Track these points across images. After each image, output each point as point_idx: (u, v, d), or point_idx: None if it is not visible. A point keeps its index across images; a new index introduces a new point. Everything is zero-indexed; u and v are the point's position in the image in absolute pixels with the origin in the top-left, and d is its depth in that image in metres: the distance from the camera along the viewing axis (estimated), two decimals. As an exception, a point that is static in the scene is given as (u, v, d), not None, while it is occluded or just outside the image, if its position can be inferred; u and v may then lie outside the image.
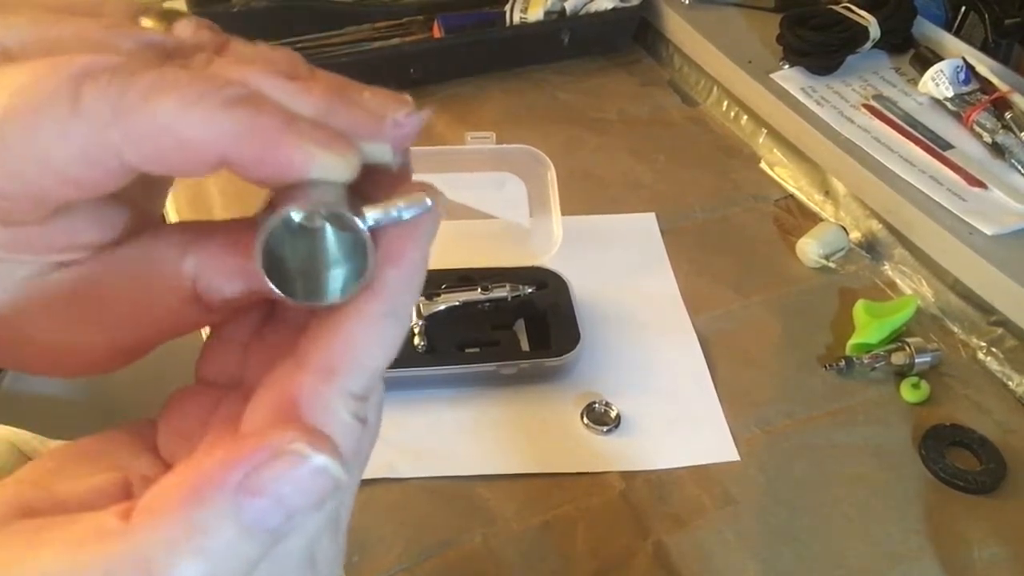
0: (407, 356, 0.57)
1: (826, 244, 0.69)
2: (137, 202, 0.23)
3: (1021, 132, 0.70)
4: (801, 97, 0.78)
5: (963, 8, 0.87)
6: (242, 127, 0.19)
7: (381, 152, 0.21)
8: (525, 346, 0.61)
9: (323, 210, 0.19)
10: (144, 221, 0.23)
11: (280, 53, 0.23)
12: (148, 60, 0.21)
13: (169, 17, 0.24)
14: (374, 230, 0.20)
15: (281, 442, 0.18)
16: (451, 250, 0.66)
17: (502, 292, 0.60)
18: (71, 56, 0.19)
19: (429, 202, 0.20)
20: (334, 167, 0.19)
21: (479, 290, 0.60)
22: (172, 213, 0.73)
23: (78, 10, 0.22)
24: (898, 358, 0.60)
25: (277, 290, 0.19)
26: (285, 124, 0.19)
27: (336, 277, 0.20)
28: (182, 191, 0.75)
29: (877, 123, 0.75)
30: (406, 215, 0.20)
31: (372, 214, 0.20)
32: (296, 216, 0.19)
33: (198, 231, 0.23)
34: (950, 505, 0.54)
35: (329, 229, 0.20)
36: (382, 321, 0.20)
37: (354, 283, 0.20)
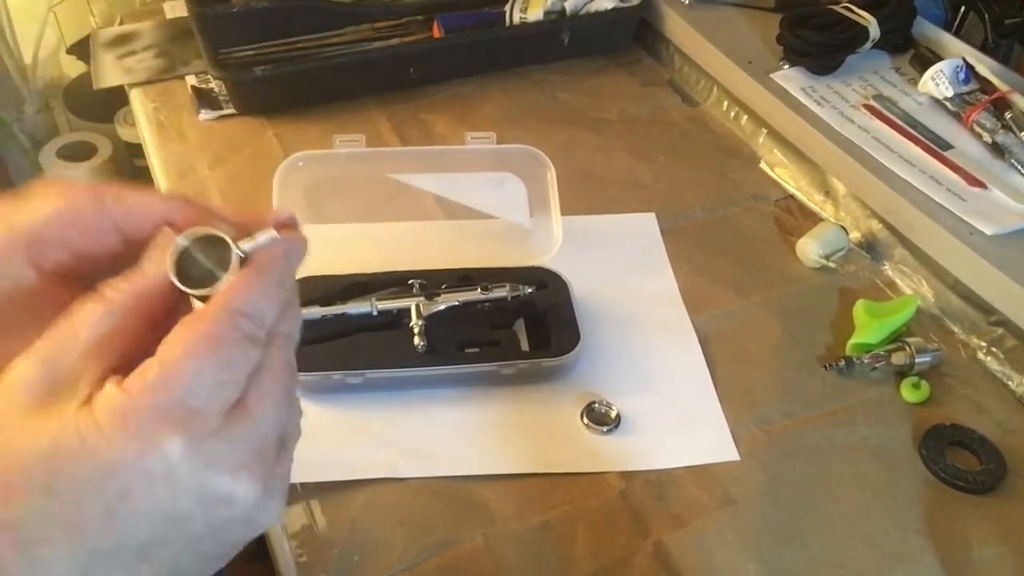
0: (407, 356, 0.57)
1: (826, 244, 0.69)
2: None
3: (1021, 132, 0.70)
4: (801, 97, 0.78)
5: (963, 8, 0.87)
6: None
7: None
8: (525, 346, 0.61)
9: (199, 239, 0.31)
10: None
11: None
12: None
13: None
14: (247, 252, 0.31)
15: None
16: (451, 250, 0.66)
17: (502, 292, 0.60)
18: None
19: (276, 236, 0.31)
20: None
21: (479, 290, 0.60)
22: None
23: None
24: (898, 358, 0.60)
25: (181, 286, 0.30)
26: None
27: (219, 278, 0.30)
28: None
29: (877, 123, 0.75)
30: (261, 242, 0.31)
31: (243, 244, 0.31)
32: (183, 243, 0.31)
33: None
34: (950, 505, 0.54)
35: (206, 252, 0.31)
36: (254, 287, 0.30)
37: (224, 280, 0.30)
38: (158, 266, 0.30)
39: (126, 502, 0.27)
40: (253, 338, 0.29)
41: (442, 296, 0.60)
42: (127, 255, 0.31)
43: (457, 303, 0.60)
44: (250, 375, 0.29)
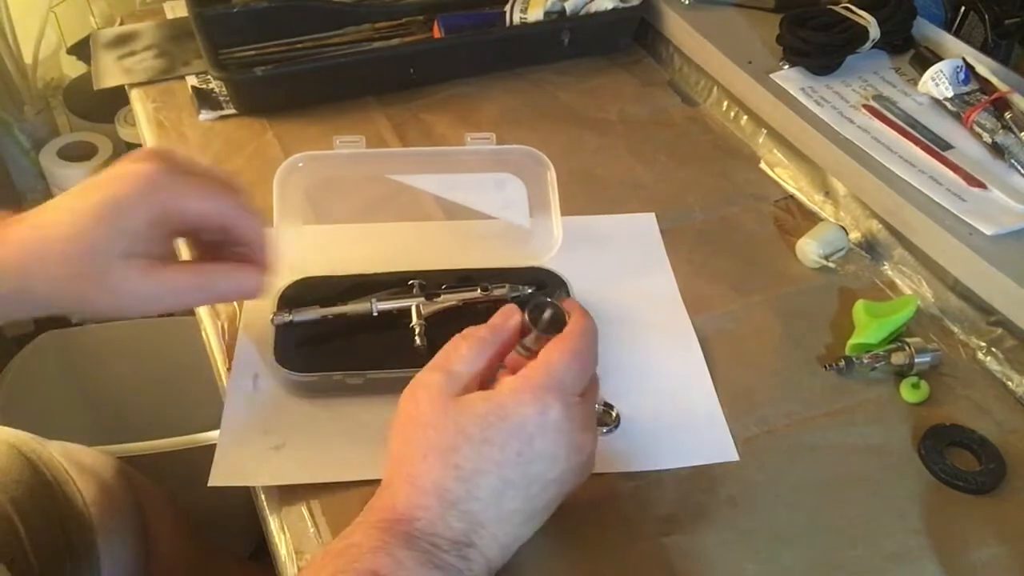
0: (407, 356, 0.57)
1: (826, 244, 0.69)
2: None
3: (1021, 132, 0.70)
4: (801, 97, 0.78)
5: (963, 8, 0.87)
6: None
7: None
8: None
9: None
10: None
11: None
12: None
13: None
14: None
15: None
16: (451, 250, 0.66)
17: (501, 291, 0.60)
18: None
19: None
20: None
21: (479, 290, 0.60)
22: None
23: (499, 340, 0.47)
24: (898, 358, 0.60)
25: (538, 332, 0.47)
26: None
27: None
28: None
29: (877, 123, 0.75)
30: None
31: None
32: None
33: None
34: (950, 505, 0.54)
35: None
36: None
37: None
38: (512, 321, 0.47)
39: (530, 446, 0.42)
40: (594, 353, 0.46)
41: (442, 296, 0.60)
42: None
43: (457, 303, 0.60)
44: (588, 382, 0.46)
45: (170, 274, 0.47)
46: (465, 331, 0.47)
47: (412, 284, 0.60)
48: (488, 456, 0.41)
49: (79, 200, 0.45)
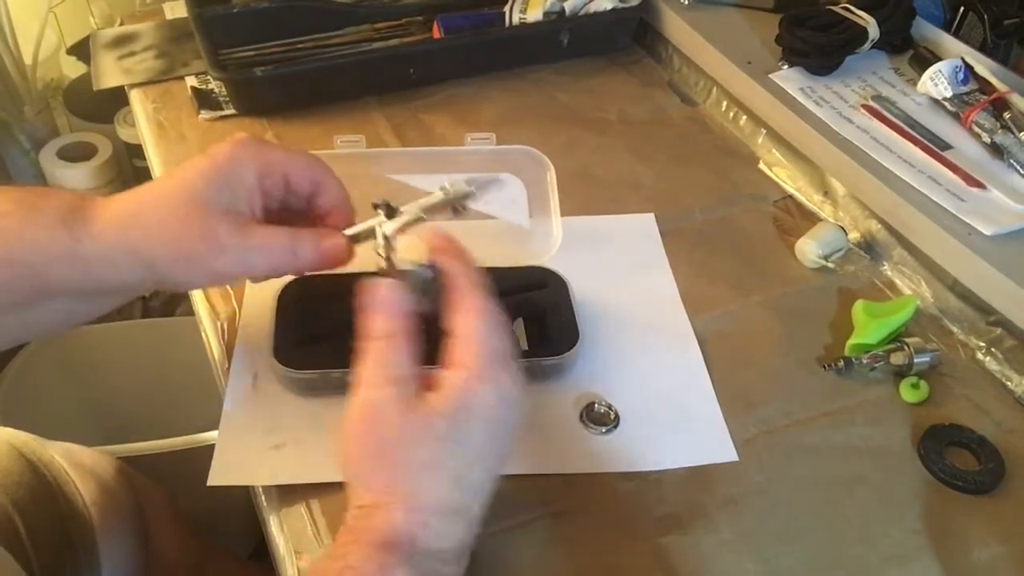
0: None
1: (825, 244, 0.69)
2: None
3: (1020, 132, 0.70)
4: (800, 97, 0.78)
5: (962, 9, 0.87)
6: None
7: None
8: (524, 345, 0.61)
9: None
10: None
11: None
12: None
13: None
14: None
15: None
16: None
17: (464, 188, 0.54)
18: None
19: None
20: None
21: (440, 192, 0.53)
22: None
23: None
24: (897, 358, 0.60)
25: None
26: None
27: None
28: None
29: (876, 123, 0.75)
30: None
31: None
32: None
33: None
34: (949, 505, 0.54)
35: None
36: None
37: None
38: (387, 296, 0.45)
39: (499, 427, 0.43)
40: (488, 297, 0.45)
41: (404, 209, 0.53)
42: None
43: (422, 215, 0.53)
44: None
45: (264, 231, 0.48)
46: (367, 342, 0.44)
47: (376, 205, 0.54)
48: (470, 452, 0.42)
49: (183, 166, 0.48)
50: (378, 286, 0.45)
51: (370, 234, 0.52)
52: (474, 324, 0.44)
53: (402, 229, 0.52)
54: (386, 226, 0.52)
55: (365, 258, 0.64)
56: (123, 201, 0.48)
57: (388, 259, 0.52)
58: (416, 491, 0.41)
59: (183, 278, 0.48)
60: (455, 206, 0.52)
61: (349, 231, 0.53)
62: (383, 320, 0.44)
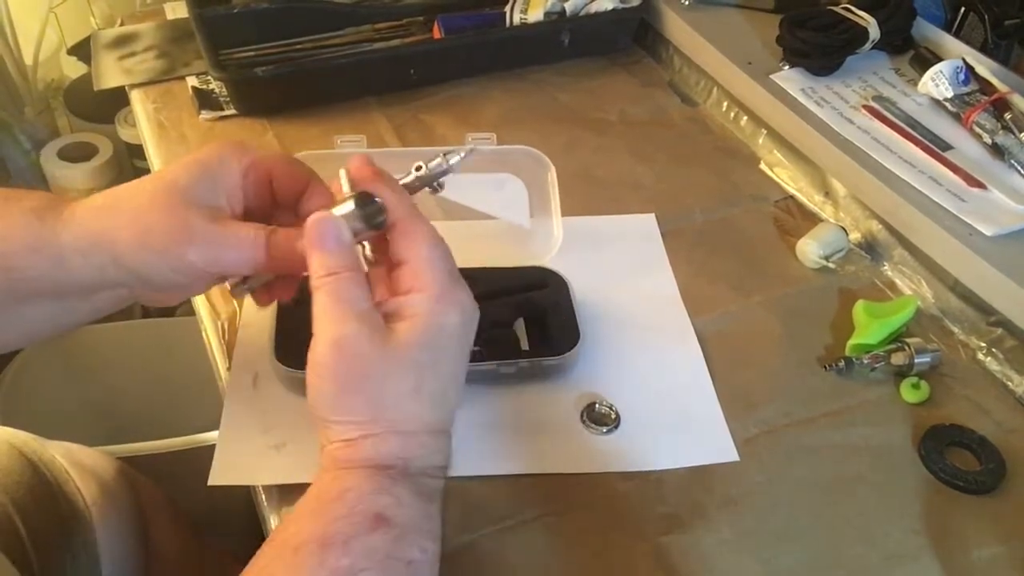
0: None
1: (826, 245, 0.69)
2: None
3: (1020, 133, 0.70)
4: (801, 98, 0.78)
5: (963, 9, 0.87)
6: None
7: None
8: (525, 346, 0.61)
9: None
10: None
11: None
12: None
13: None
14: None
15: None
16: (452, 250, 0.66)
17: (437, 160, 0.50)
18: None
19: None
20: None
21: (414, 171, 0.49)
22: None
23: None
24: (898, 358, 0.60)
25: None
26: None
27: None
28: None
29: (877, 124, 0.75)
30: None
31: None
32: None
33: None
34: (950, 505, 0.54)
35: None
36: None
37: None
38: (330, 233, 0.44)
39: (465, 337, 0.44)
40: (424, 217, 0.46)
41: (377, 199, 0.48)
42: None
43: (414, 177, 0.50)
44: None
45: (237, 223, 0.47)
46: (319, 279, 0.43)
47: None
48: (446, 372, 0.44)
49: (170, 164, 0.48)
50: (322, 221, 0.44)
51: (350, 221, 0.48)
52: (427, 248, 0.44)
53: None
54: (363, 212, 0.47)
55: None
56: (101, 195, 0.47)
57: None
58: (405, 418, 0.42)
59: (152, 271, 0.46)
60: (433, 184, 0.50)
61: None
62: (334, 255, 0.43)
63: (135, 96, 0.88)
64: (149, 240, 0.45)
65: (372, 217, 0.44)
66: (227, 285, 0.49)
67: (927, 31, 0.85)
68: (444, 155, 0.49)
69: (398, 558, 0.39)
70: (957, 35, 0.86)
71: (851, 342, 0.62)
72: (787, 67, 0.82)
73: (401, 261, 0.44)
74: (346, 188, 0.46)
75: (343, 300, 0.42)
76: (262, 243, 0.46)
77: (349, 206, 0.44)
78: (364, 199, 0.44)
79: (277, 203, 0.50)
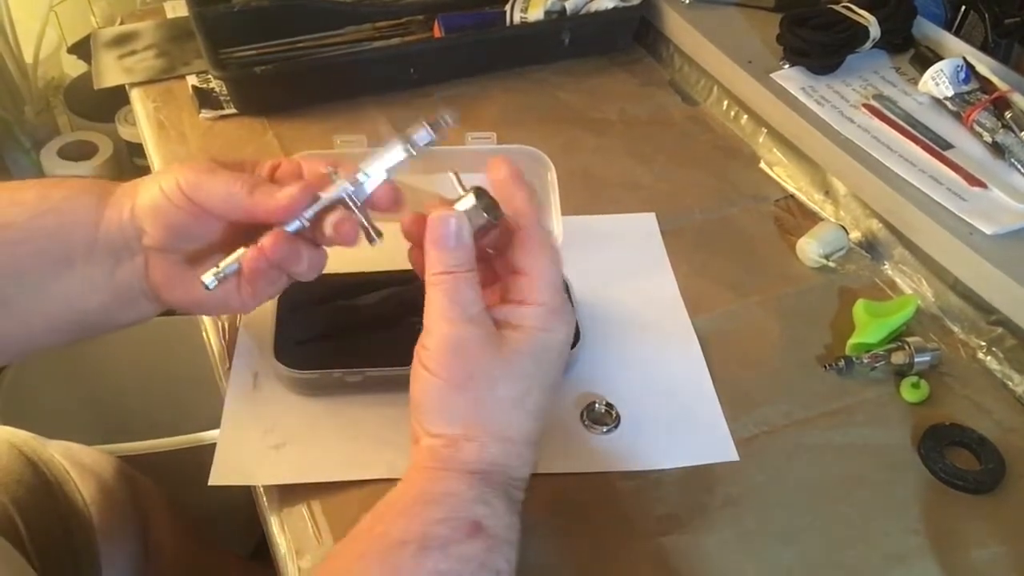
0: (407, 355, 0.57)
1: (826, 244, 0.69)
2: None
3: (1021, 131, 0.70)
4: (801, 97, 0.78)
5: (963, 8, 0.87)
6: None
7: None
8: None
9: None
10: None
11: None
12: None
13: None
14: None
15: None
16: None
17: (420, 131, 0.52)
18: None
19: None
20: None
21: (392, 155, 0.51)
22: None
23: None
24: (898, 358, 0.60)
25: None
26: None
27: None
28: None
29: (877, 123, 0.75)
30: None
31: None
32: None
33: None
34: (949, 505, 0.54)
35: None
36: None
37: None
38: (454, 229, 0.45)
39: (564, 358, 0.45)
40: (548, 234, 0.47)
41: (369, 171, 0.50)
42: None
43: (384, 175, 0.50)
44: None
45: (228, 172, 0.49)
46: (435, 276, 0.44)
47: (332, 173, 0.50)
48: (546, 386, 0.45)
49: None
50: (444, 220, 0.45)
51: (338, 204, 0.49)
52: (546, 262, 0.45)
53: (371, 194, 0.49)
54: (354, 192, 0.48)
55: (365, 257, 0.64)
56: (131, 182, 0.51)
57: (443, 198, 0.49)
58: (508, 426, 0.43)
59: (148, 201, 0.48)
60: (409, 149, 0.52)
61: (313, 207, 0.48)
62: (453, 254, 0.44)
63: (135, 95, 0.88)
64: (166, 169, 0.49)
65: (490, 210, 0.46)
66: (202, 279, 0.48)
67: (927, 30, 0.84)
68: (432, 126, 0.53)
69: (489, 568, 0.39)
70: (957, 34, 0.86)
71: (851, 341, 0.62)
72: (787, 66, 0.82)
73: (519, 270, 0.45)
74: (458, 187, 0.47)
75: (458, 301, 0.44)
76: (246, 182, 0.47)
77: (470, 200, 0.46)
78: (481, 192, 0.46)
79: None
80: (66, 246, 0.48)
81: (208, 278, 0.48)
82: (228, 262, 0.48)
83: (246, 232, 0.49)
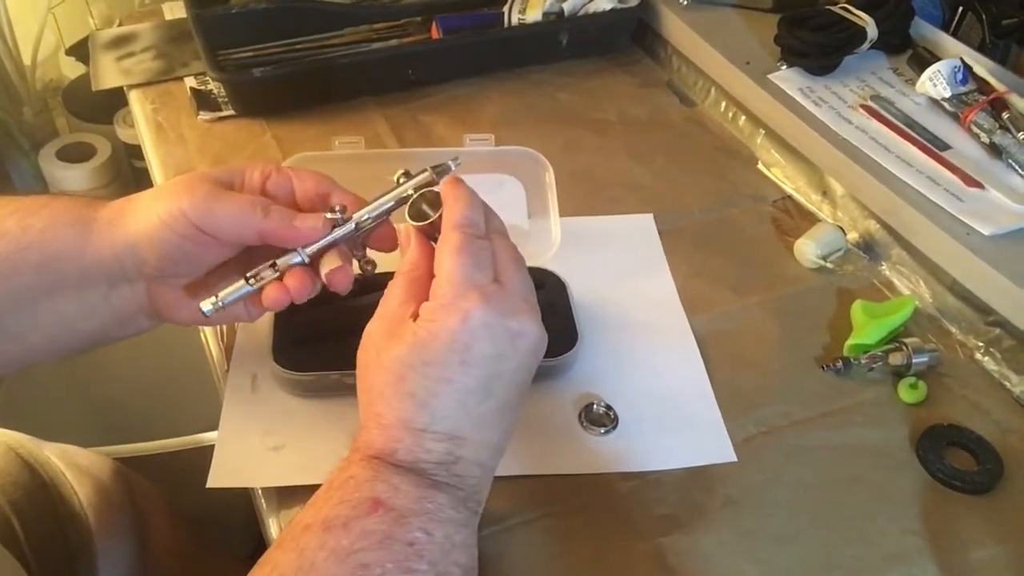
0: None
1: (824, 245, 0.69)
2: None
3: (1018, 132, 0.70)
4: (799, 98, 0.78)
5: (960, 8, 0.87)
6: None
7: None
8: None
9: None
10: None
11: None
12: None
13: None
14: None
15: None
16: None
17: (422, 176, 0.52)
18: None
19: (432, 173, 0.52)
20: None
21: (384, 199, 0.51)
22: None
23: None
24: (896, 358, 0.60)
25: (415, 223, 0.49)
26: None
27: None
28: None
29: (875, 123, 0.75)
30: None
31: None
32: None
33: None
34: (948, 505, 0.54)
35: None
36: None
37: None
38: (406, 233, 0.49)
39: (469, 352, 0.43)
40: (479, 236, 0.46)
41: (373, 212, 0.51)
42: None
43: (368, 217, 0.51)
44: (493, 258, 0.46)
45: (238, 193, 0.50)
46: (401, 272, 0.48)
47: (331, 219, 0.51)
48: (434, 375, 0.43)
49: None
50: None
51: (341, 242, 0.51)
52: (446, 257, 0.46)
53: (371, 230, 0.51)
54: (356, 234, 0.51)
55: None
56: (125, 198, 0.51)
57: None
58: (381, 411, 0.44)
59: (151, 228, 0.48)
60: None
61: (319, 243, 0.50)
62: (412, 256, 0.48)
63: (133, 97, 0.88)
64: (157, 193, 0.49)
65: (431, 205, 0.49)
66: (200, 306, 0.49)
67: (925, 31, 0.85)
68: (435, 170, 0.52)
69: (398, 539, 0.41)
70: (955, 35, 0.86)
71: (849, 342, 0.62)
72: (785, 67, 0.82)
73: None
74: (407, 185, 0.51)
75: (386, 297, 0.47)
76: (257, 204, 0.48)
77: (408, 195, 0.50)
78: (427, 192, 0.50)
79: (300, 207, 0.52)
80: (55, 275, 0.49)
81: (207, 307, 0.49)
82: (228, 293, 0.50)
83: (247, 249, 0.51)
